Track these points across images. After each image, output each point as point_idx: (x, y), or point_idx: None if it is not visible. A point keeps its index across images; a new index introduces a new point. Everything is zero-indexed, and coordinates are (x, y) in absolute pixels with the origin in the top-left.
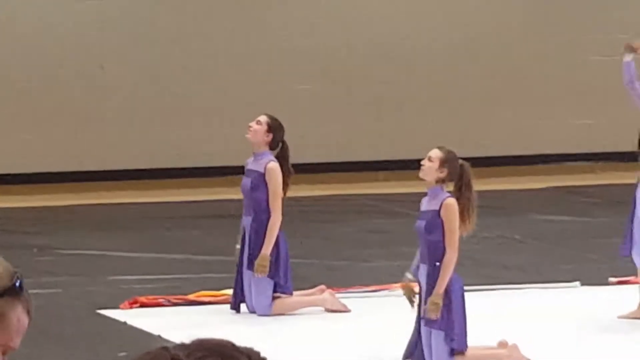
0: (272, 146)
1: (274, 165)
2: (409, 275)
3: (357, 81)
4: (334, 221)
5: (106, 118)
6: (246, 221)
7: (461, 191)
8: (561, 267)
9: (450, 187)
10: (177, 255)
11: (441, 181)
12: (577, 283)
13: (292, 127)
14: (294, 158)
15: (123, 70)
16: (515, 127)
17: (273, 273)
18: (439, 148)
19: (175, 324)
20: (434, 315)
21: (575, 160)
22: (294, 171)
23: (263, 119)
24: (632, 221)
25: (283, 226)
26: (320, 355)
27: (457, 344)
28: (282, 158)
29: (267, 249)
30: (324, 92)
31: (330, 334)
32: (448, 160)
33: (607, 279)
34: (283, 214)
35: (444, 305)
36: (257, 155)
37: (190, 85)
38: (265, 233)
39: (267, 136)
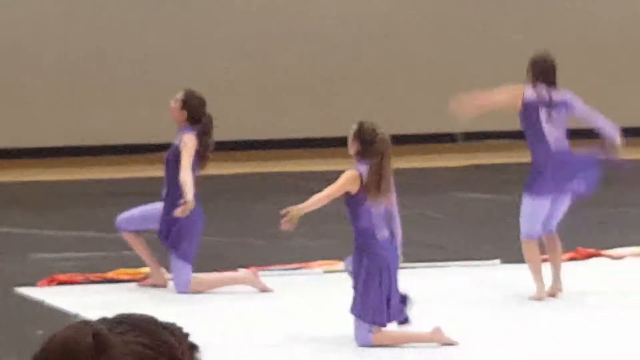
0: (191, 121)
1: (187, 136)
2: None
3: (281, 60)
4: (253, 199)
5: (26, 96)
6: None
7: (374, 161)
8: (482, 246)
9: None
10: (95, 233)
11: (358, 154)
12: (497, 261)
13: (212, 105)
14: (221, 135)
15: (47, 49)
16: (436, 105)
17: (175, 242)
18: (357, 122)
19: (94, 302)
20: (287, 225)
21: (497, 138)
22: (214, 145)
23: (179, 95)
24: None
25: (202, 204)
26: (244, 334)
27: (372, 318)
28: (201, 132)
29: (189, 195)
30: (246, 71)
31: (252, 313)
32: (359, 133)
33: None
34: (203, 192)
35: (357, 286)
36: (178, 132)
37: (112, 64)
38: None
39: (182, 113)
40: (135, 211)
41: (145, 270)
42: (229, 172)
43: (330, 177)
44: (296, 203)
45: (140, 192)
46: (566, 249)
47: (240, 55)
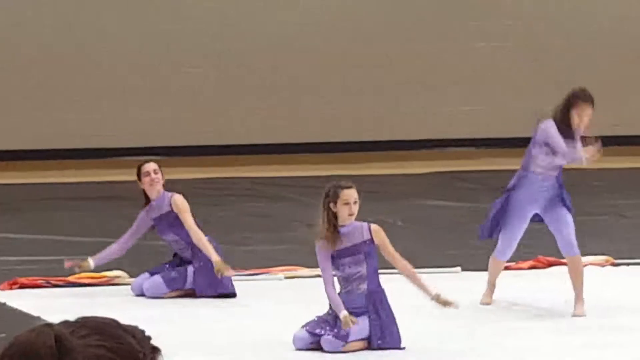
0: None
1: (178, 198)
2: None
3: (248, 66)
4: (215, 204)
5: None
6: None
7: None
8: (444, 253)
9: None
10: (57, 236)
11: None
12: (458, 268)
13: (180, 110)
14: (180, 141)
15: (6, 51)
16: (400, 112)
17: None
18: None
19: (56, 306)
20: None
21: (459, 145)
22: None
23: (154, 166)
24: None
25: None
26: (205, 339)
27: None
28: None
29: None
30: (214, 75)
31: (214, 318)
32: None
33: (488, 264)
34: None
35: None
36: (158, 200)
37: (77, 67)
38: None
39: (161, 181)
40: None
41: (108, 274)
42: (190, 177)
43: (287, 183)
44: (259, 209)
45: (100, 196)
46: (527, 258)
47: (211, 59)
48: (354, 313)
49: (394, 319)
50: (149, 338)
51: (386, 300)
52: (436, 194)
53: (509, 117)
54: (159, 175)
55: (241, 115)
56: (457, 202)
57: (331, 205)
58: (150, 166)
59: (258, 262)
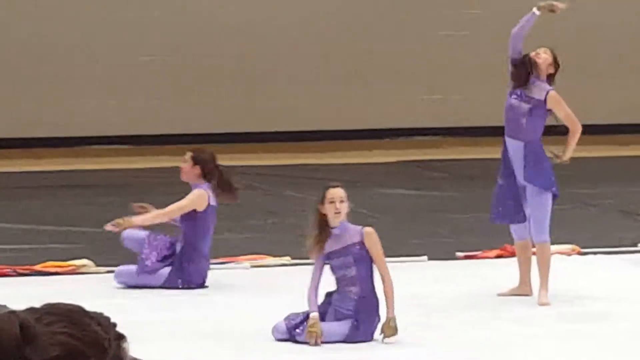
0: (206, 177)
1: (197, 191)
2: None
3: (204, 55)
4: (179, 193)
5: None
6: None
7: None
8: (409, 242)
9: None
10: (23, 225)
11: None
12: (425, 257)
13: (137, 98)
14: (135, 129)
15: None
16: (364, 101)
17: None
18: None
19: (22, 294)
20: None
21: (424, 134)
22: (236, 191)
23: (187, 155)
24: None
25: (126, 198)
26: (174, 327)
27: None
28: (223, 184)
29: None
30: (169, 64)
31: (182, 306)
32: None
33: (454, 253)
34: (127, 186)
35: None
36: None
37: (35, 55)
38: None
39: (195, 169)
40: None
41: (76, 262)
42: (155, 165)
43: (251, 172)
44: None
45: (65, 185)
46: (494, 247)
47: (165, 48)
48: (343, 314)
49: (373, 332)
50: (114, 325)
51: (375, 310)
52: (401, 182)
53: (472, 106)
54: (183, 166)
55: (200, 104)
56: (422, 190)
57: (319, 206)
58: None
59: (224, 250)
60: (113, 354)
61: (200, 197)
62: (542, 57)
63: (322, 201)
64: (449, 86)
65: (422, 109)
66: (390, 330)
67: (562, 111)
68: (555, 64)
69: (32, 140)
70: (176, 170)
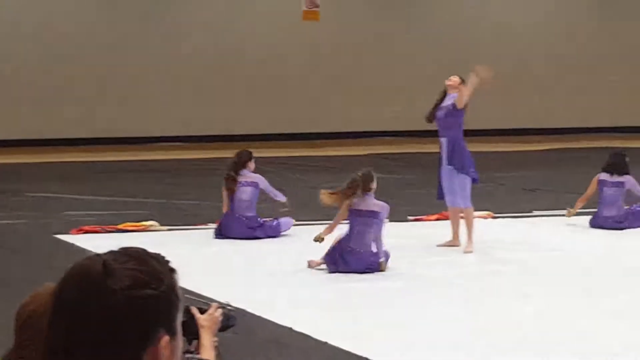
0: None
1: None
2: None
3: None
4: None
5: None
6: None
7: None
8: None
9: None
10: (109, 197)
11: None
12: (387, 220)
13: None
14: (187, 131)
15: None
16: (349, 111)
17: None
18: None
19: (107, 245)
20: None
21: (390, 135)
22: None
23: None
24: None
25: (180, 178)
26: (222, 265)
27: None
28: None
29: None
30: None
31: (233, 252)
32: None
33: (406, 217)
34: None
35: None
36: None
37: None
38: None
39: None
40: None
41: (145, 223)
42: (198, 157)
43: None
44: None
45: (143, 169)
46: (435, 212)
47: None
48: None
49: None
50: (168, 262)
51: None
52: (373, 169)
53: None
54: None
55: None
56: (387, 174)
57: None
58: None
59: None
60: (167, 283)
61: None
62: (452, 80)
63: (371, 181)
64: (407, 99)
65: (387, 116)
66: (382, 265)
67: (464, 93)
68: (462, 81)
69: (113, 139)
70: (211, 161)
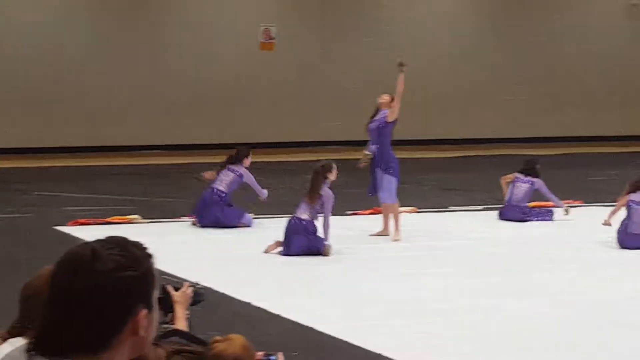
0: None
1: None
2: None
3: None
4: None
5: None
6: None
7: None
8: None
9: None
10: (99, 196)
11: None
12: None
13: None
14: (161, 140)
15: None
16: (303, 125)
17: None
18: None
19: (97, 235)
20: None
21: (334, 145)
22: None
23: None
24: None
25: (161, 180)
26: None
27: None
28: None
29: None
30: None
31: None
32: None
33: (345, 212)
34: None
35: None
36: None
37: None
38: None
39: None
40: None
41: (129, 217)
42: (176, 162)
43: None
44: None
45: (128, 172)
46: (369, 207)
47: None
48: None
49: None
50: (146, 248)
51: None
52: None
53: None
54: None
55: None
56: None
57: (328, 174)
58: None
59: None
60: (145, 266)
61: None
62: (384, 98)
63: (330, 171)
64: (348, 114)
65: (335, 128)
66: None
67: (396, 106)
68: (392, 99)
69: (102, 147)
70: (187, 166)
